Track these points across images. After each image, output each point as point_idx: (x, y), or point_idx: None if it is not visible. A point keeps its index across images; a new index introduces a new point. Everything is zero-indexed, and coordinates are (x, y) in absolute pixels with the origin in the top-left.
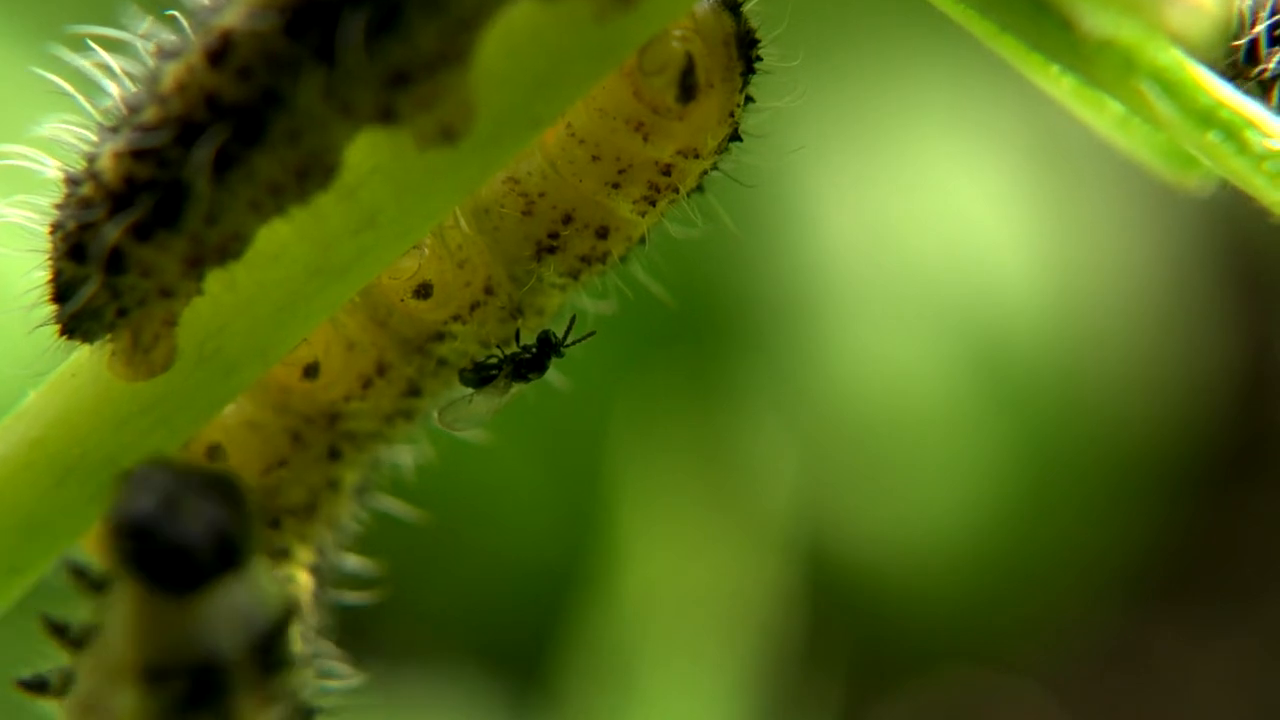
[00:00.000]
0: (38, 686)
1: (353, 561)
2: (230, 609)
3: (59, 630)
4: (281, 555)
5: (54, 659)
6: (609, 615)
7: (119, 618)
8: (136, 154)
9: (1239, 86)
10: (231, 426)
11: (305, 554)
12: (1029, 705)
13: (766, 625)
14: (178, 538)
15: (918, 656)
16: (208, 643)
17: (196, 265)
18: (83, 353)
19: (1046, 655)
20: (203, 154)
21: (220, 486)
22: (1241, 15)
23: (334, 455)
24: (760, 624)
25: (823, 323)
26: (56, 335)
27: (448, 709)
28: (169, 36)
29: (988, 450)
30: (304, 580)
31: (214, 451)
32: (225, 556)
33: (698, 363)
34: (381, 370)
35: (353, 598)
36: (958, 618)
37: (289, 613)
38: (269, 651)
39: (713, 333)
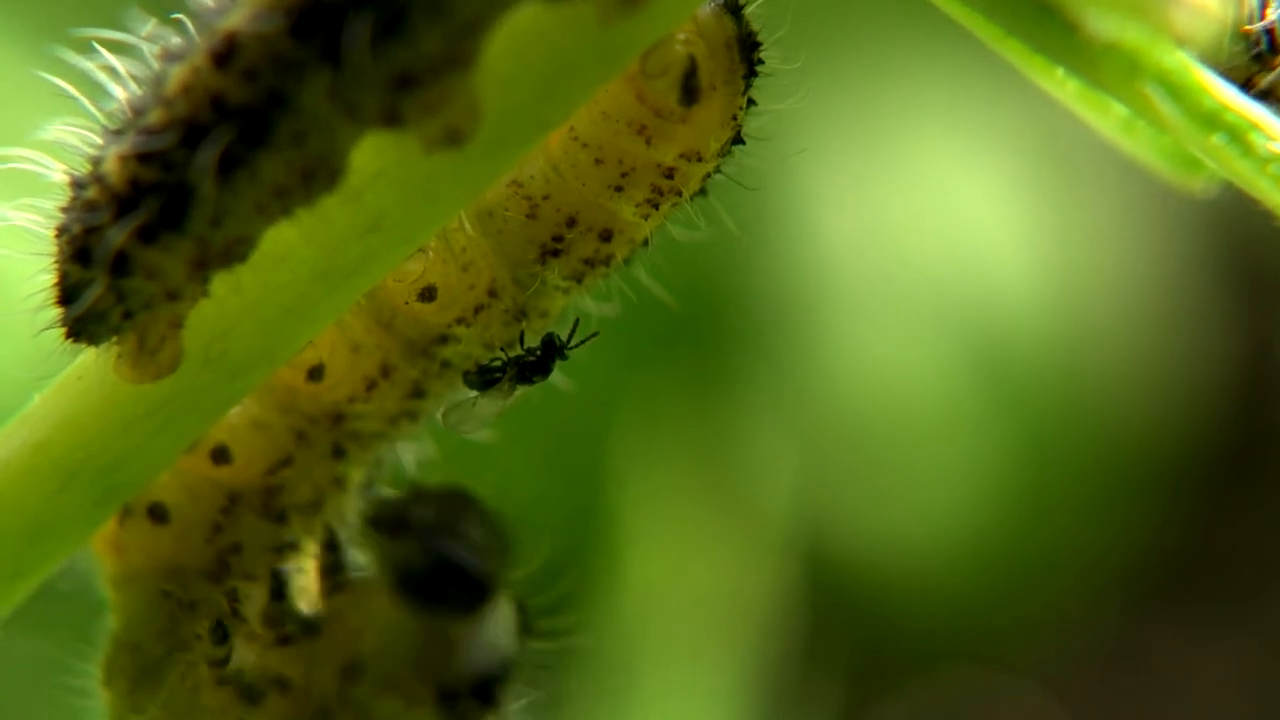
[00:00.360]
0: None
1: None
2: (503, 617)
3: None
4: (290, 549)
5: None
6: (610, 614)
7: (401, 650)
8: (141, 156)
9: (1246, 90)
10: (237, 426)
11: (313, 547)
12: (1029, 705)
13: (766, 625)
14: (473, 567)
15: (918, 656)
16: (489, 657)
17: (202, 268)
18: (88, 355)
19: (1046, 655)
20: (208, 156)
21: (485, 513)
22: (1250, 17)
23: (338, 454)
24: (760, 624)
25: (823, 323)
26: (62, 338)
27: None
28: (174, 39)
29: (988, 450)
30: (312, 570)
31: (219, 451)
32: (501, 574)
33: (699, 363)
34: (386, 372)
35: None
36: (958, 618)
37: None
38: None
39: (714, 334)
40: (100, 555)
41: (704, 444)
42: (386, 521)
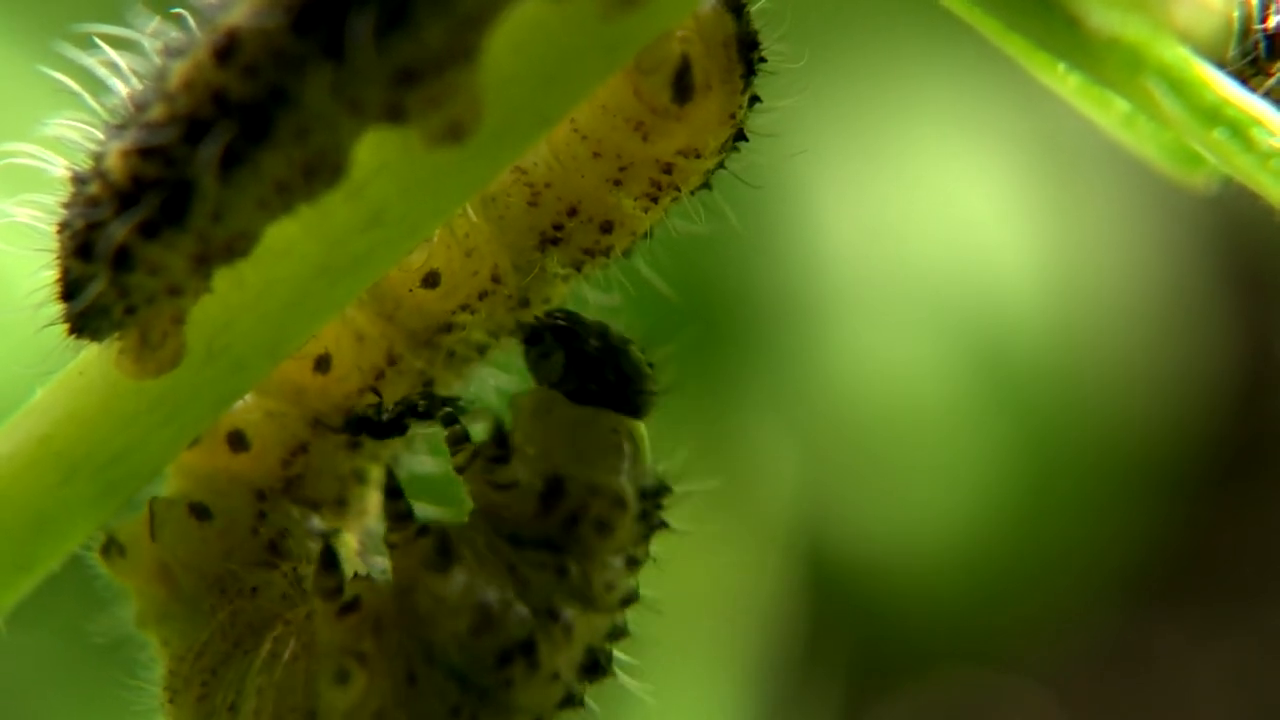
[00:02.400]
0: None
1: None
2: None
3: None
4: (333, 534)
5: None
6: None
7: (598, 464)
8: (143, 152)
9: (1250, 85)
10: (252, 413)
11: (352, 541)
12: (1029, 705)
13: (767, 625)
14: (639, 373)
15: (918, 656)
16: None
17: (204, 263)
18: (90, 350)
19: (1046, 655)
20: (210, 152)
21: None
22: (1249, 13)
23: (354, 445)
24: (761, 624)
25: (824, 322)
26: (65, 333)
27: None
28: (176, 34)
29: (988, 450)
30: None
31: (236, 437)
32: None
33: (699, 362)
34: (392, 361)
35: None
36: (958, 617)
37: None
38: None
39: (715, 333)
40: (147, 588)
41: (705, 442)
42: (545, 335)
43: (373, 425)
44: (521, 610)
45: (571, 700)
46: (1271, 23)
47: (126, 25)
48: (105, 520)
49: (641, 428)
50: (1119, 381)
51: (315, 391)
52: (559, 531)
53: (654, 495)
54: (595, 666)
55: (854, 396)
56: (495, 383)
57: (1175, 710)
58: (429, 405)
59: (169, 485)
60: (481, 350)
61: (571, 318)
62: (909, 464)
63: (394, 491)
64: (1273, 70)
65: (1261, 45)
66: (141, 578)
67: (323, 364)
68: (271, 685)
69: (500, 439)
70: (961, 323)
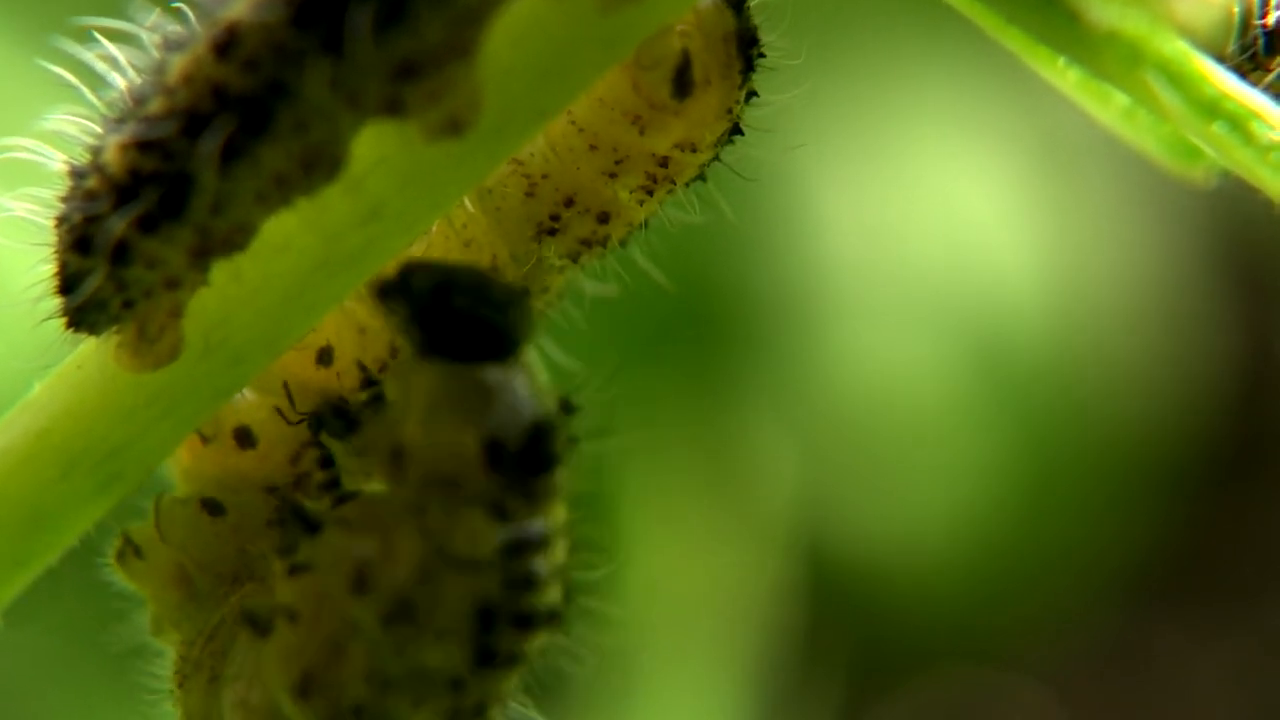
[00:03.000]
0: (254, 622)
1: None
2: (537, 376)
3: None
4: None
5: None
6: (610, 613)
7: (439, 417)
8: (142, 145)
9: (1249, 80)
10: (258, 411)
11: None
12: (1029, 704)
13: (766, 624)
14: (491, 310)
15: (918, 656)
16: (537, 403)
17: (202, 256)
18: (88, 344)
19: (1047, 654)
20: (209, 145)
21: (485, 273)
22: (1249, 8)
23: None
24: (760, 623)
25: (823, 321)
26: (63, 327)
27: None
28: (175, 28)
29: (988, 449)
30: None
31: (243, 434)
32: (527, 323)
33: (699, 361)
34: (395, 353)
35: None
36: (958, 616)
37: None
38: (570, 416)
39: (714, 332)
40: (163, 593)
41: (704, 442)
42: (392, 291)
43: (327, 424)
44: (393, 573)
45: (491, 657)
46: (1271, 18)
47: (125, 20)
48: (102, 515)
49: (511, 369)
50: (1119, 381)
51: (319, 384)
52: (415, 494)
53: (531, 437)
54: (492, 621)
55: (854, 396)
56: None
57: (1175, 710)
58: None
59: (178, 490)
60: None
61: (411, 267)
62: (909, 464)
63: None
64: (1272, 65)
65: (1260, 41)
66: (157, 582)
67: (325, 357)
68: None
69: (337, 410)
70: (961, 322)
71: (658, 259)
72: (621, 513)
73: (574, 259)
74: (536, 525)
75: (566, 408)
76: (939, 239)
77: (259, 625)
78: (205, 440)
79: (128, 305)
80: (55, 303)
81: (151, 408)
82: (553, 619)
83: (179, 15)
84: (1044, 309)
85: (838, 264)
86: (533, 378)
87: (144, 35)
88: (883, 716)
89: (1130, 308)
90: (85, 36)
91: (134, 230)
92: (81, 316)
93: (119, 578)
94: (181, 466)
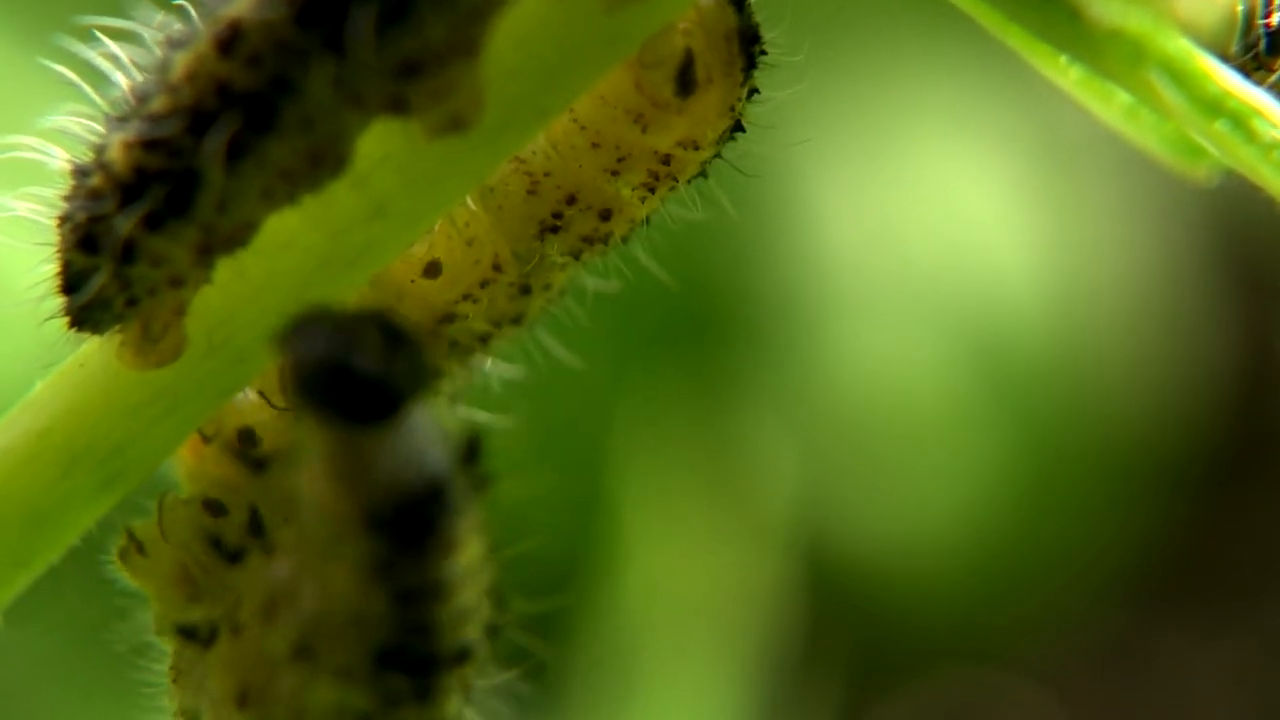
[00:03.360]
0: (189, 634)
1: None
2: (431, 429)
3: (215, 543)
4: None
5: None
6: (610, 613)
7: (320, 478)
8: (147, 144)
9: (1251, 80)
10: (262, 411)
11: None
12: (1029, 704)
13: (766, 625)
14: (368, 368)
15: (918, 656)
16: (425, 464)
17: (207, 254)
18: (90, 343)
19: (1047, 654)
20: (214, 142)
21: (381, 318)
22: (1253, 9)
23: None
24: (760, 623)
25: (823, 321)
26: (66, 327)
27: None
28: (177, 26)
29: (988, 449)
30: None
31: (246, 436)
32: (415, 378)
33: (699, 361)
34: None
35: None
36: (958, 617)
37: (477, 432)
38: (474, 466)
39: (714, 331)
40: (166, 591)
41: (704, 442)
42: (276, 343)
43: (241, 457)
44: (293, 611)
45: (396, 697)
46: (1274, 19)
47: (127, 18)
48: (104, 514)
49: (397, 428)
50: (1119, 381)
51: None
52: (306, 544)
53: (414, 503)
54: (393, 663)
55: (854, 396)
56: (499, 373)
57: (1175, 710)
58: None
59: (183, 491)
60: (484, 340)
61: (298, 318)
62: (909, 464)
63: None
64: (1275, 66)
65: (1263, 41)
66: (160, 580)
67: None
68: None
69: (244, 438)
70: (961, 322)
71: (659, 257)
72: (621, 512)
73: (576, 256)
74: (433, 575)
75: (471, 454)
76: (939, 238)
77: (198, 636)
78: (207, 441)
79: (132, 303)
80: (58, 302)
81: (154, 406)
82: (464, 658)
83: (181, 13)
84: (1044, 308)
85: (838, 263)
86: (424, 433)
87: (146, 33)
88: (883, 716)
89: (1130, 307)
90: (87, 35)
91: (140, 228)
92: (85, 315)
93: (122, 576)
94: (185, 467)
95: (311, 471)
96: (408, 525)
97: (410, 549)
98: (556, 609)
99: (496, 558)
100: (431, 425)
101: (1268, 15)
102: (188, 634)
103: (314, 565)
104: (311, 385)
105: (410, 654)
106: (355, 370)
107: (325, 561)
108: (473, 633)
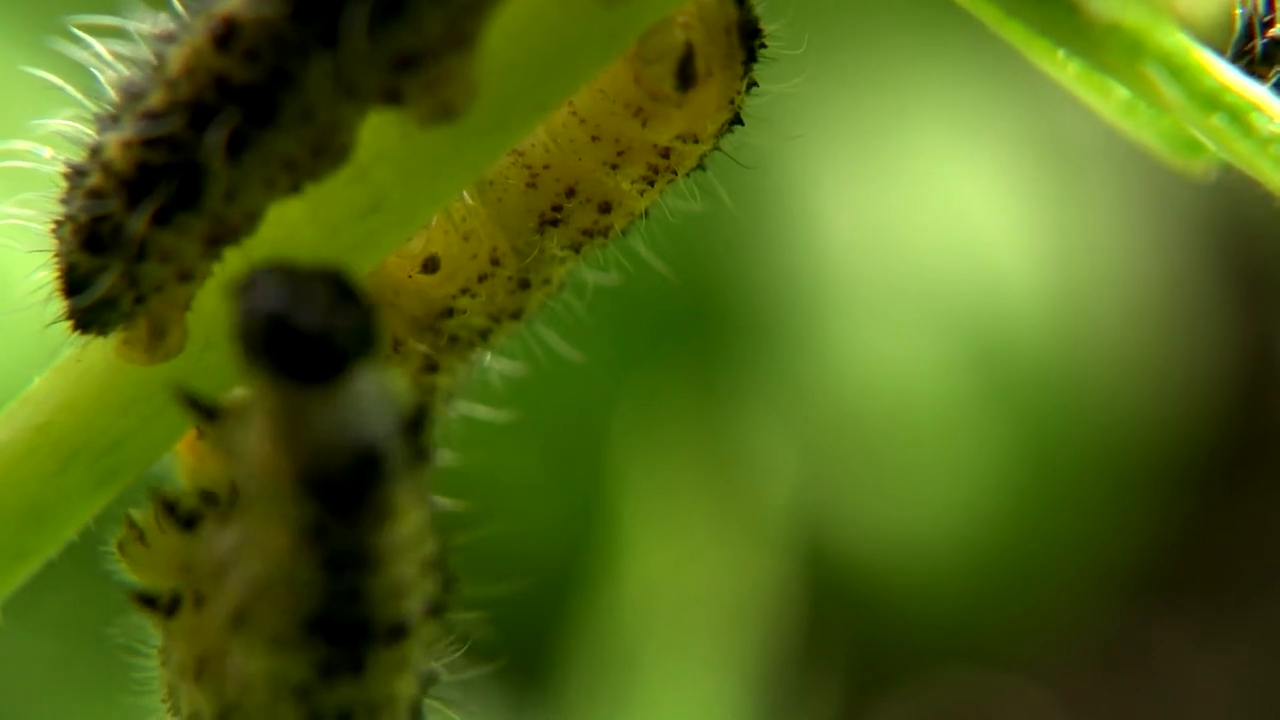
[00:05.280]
0: (149, 601)
1: None
2: (375, 394)
3: (169, 508)
4: None
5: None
6: (610, 612)
7: (261, 435)
8: (148, 141)
9: (1253, 73)
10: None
11: None
12: (1029, 704)
13: (766, 624)
14: (312, 325)
15: (918, 656)
16: (364, 428)
17: (215, 245)
18: (89, 339)
19: (1046, 654)
20: (217, 136)
21: (336, 277)
22: (1252, 16)
23: None
24: (760, 623)
25: (823, 320)
26: (70, 329)
27: (447, 706)
28: (167, 23)
29: (988, 448)
30: None
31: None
32: (361, 340)
33: (699, 360)
34: (394, 347)
35: None
36: (957, 616)
37: (424, 401)
38: (418, 435)
39: (714, 331)
40: (163, 583)
41: (704, 441)
42: (229, 294)
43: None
44: (227, 580)
45: (332, 668)
46: (1276, 29)
47: (118, 16)
48: (101, 508)
49: (343, 388)
50: (1119, 380)
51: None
52: (240, 503)
53: (351, 468)
54: (325, 632)
55: (854, 394)
56: (499, 368)
57: (1175, 710)
58: None
59: (183, 489)
60: (484, 335)
61: (252, 273)
62: (909, 462)
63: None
64: (1269, 75)
65: (1258, 48)
66: (159, 571)
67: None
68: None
69: (192, 402)
70: (961, 320)
71: (659, 252)
72: (621, 510)
73: (575, 250)
74: (365, 543)
75: (416, 424)
76: (939, 237)
77: (158, 605)
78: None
79: (139, 301)
80: (61, 306)
81: (151, 401)
82: (400, 633)
83: (171, 11)
84: (1044, 307)
85: (838, 262)
86: (368, 398)
87: (133, 30)
88: (883, 716)
89: (1130, 306)
90: (79, 36)
91: (150, 224)
92: (92, 317)
93: (121, 568)
94: (186, 467)
95: (255, 428)
96: (341, 489)
97: (343, 514)
98: (555, 607)
99: (445, 533)
100: (377, 390)
101: (1268, 27)
102: (147, 602)
103: (254, 527)
104: (255, 339)
105: (340, 622)
106: (299, 327)
107: (263, 523)
108: (411, 607)
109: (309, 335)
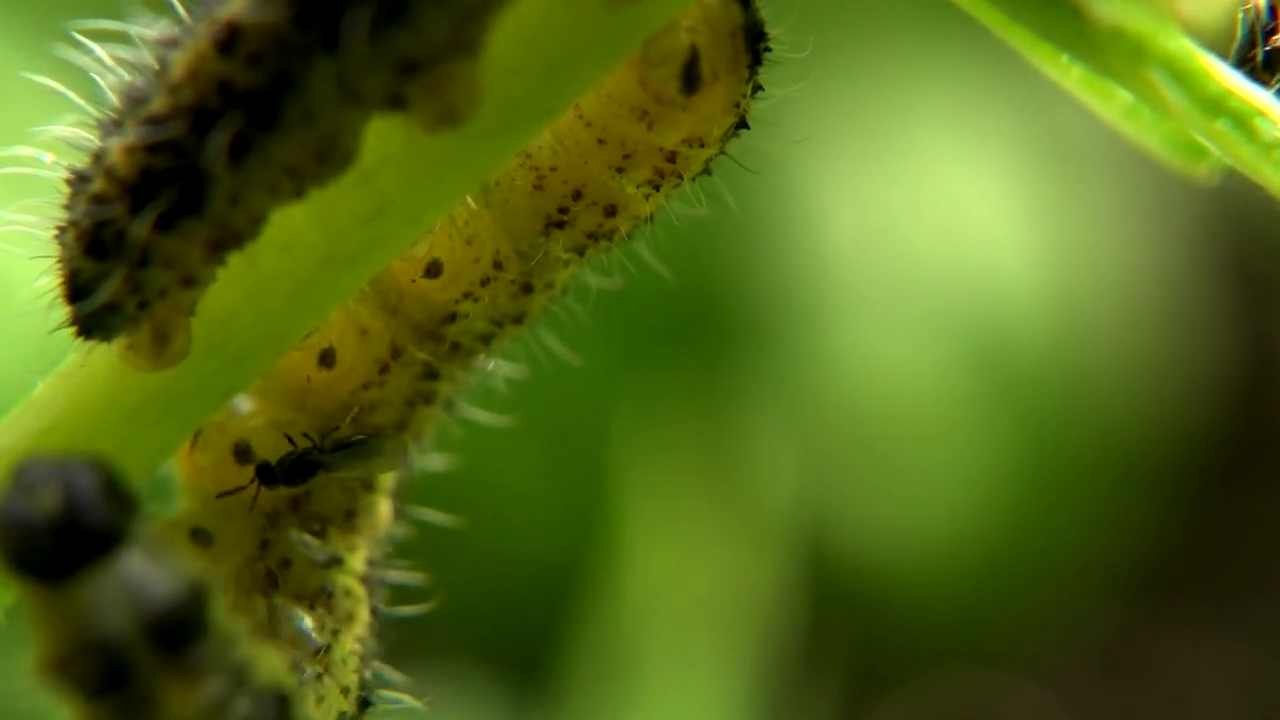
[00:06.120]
0: None
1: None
2: (120, 588)
3: None
4: (334, 563)
5: None
6: (610, 614)
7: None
8: (151, 147)
9: (1256, 79)
10: (257, 420)
11: (357, 562)
12: (1029, 704)
13: (766, 625)
14: (35, 527)
15: (918, 656)
16: (97, 625)
17: (219, 249)
18: (92, 345)
19: (1046, 654)
20: (220, 140)
21: (84, 471)
22: (1254, 24)
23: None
24: (760, 624)
25: (825, 321)
26: (74, 335)
27: (448, 707)
28: (169, 28)
29: (988, 449)
30: (358, 591)
31: (242, 450)
32: (97, 539)
33: (700, 362)
34: (396, 354)
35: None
36: (958, 616)
37: (198, 585)
38: (173, 626)
39: (715, 332)
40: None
41: (705, 443)
42: None
43: (270, 474)
44: None
45: None
46: (1276, 37)
47: (120, 21)
48: None
49: (108, 570)
50: (1119, 380)
51: (320, 388)
52: None
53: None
54: None
55: (855, 395)
56: (502, 373)
57: (1175, 710)
58: (328, 453)
59: (178, 505)
60: (486, 340)
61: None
62: (909, 463)
63: None
64: (1272, 82)
65: (1260, 56)
66: None
67: (327, 359)
68: None
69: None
70: (962, 321)
71: (662, 255)
72: (622, 512)
73: (580, 252)
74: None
75: (195, 596)
76: (941, 238)
77: None
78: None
79: (143, 306)
80: (64, 311)
81: (154, 406)
82: None
83: (172, 16)
84: (1045, 307)
85: (839, 263)
86: (118, 590)
87: (135, 35)
88: (883, 716)
89: (1131, 306)
90: (83, 41)
91: (153, 230)
92: (96, 322)
93: None
94: (183, 479)
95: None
96: (86, 685)
97: (99, 700)
98: (557, 608)
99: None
100: (125, 583)
101: (1269, 31)
102: None
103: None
104: (9, 544)
105: None
106: (30, 529)
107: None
108: None
109: (37, 536)
